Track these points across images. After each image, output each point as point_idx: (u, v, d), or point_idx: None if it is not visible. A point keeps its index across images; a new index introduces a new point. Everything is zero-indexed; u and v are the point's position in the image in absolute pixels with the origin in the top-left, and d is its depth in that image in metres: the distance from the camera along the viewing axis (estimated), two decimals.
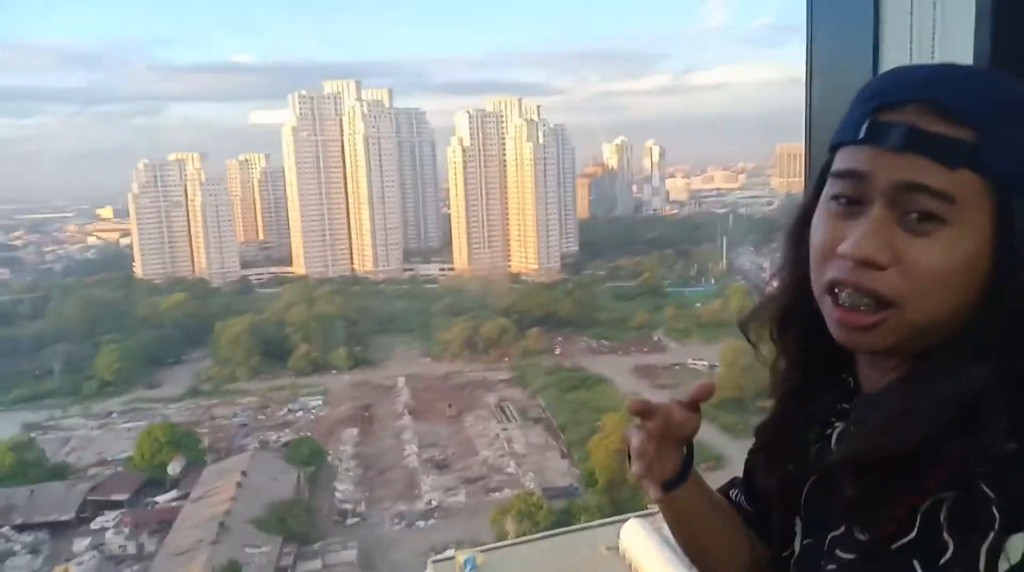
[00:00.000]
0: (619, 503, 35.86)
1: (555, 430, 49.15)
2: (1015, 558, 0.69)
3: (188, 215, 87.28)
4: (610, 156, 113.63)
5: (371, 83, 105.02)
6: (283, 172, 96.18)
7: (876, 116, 0.81)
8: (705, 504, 1.16)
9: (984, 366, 0.76)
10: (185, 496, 41.64)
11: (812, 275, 0.85)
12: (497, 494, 41.23)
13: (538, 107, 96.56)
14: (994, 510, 0.71)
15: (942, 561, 0.74)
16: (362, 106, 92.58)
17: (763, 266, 76.49)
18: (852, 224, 0.80)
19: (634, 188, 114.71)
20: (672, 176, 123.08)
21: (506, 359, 60.91)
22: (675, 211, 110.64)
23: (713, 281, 77.58)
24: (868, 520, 0.83)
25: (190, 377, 60.59)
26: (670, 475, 1.09)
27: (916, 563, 0.77)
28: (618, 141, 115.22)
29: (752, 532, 1.17)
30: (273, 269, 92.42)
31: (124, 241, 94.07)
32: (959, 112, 0.77)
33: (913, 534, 0.78)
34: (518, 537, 32.42)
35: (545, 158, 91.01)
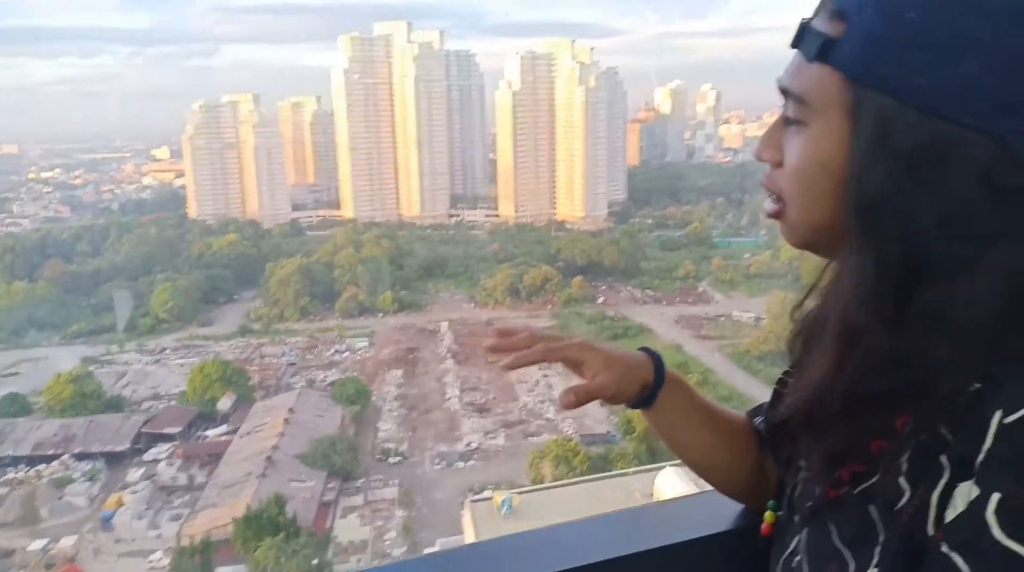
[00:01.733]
0: (656, 451, 35.92)
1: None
2: (961, 506, 0.68)
3: (240, 157, 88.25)
4: (664, 101, 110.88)
5: (424, 24, 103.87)
6: (333, 115, 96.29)
7: (804, 21, 0.82)
8: (692, 421, 1.18)
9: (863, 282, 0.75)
10: (234, 431, 42.89)
11: None
12: (535, 438, 41.65)
13: (591, 49, 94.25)
14: (945, 457, 0.71)
15: (896, 507, 0.75)
16: (413, 48, 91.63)
17: None
18: None
19: (687, 134, 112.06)
20: (727, 122, 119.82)
21: (549, 307, 60.85)
22: (728, 158, 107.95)
23: (764, 232, 75.84)
24: (829, 465, 0.84)
25: (241, 316, 61.97)
26: (631, 397, 1.12)
27: (872, 508, 0.78)
28: (672, 85, 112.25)
29: (768, 455, 1.17)
30: (322, 212, 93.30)
31: (179, 182, 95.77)
32: (839, 6, 0.76)
33: (876, 478, 0.79)
34: (554, 481, 32.81)
35: (596, 103, 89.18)
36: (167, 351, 55.71)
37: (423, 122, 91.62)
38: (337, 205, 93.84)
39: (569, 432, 41.40)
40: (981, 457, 0.67)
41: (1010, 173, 0.70)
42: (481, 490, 34.53)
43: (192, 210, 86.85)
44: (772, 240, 70.60)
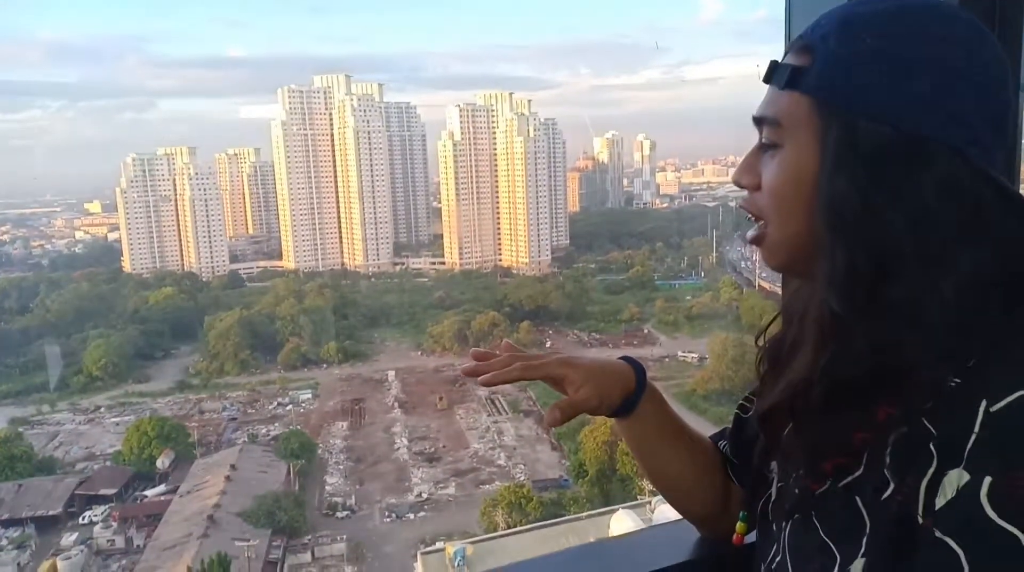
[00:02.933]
0: (609, 494, 35.92)
1: (544, 424, 49.08)
2: (951, 493, 0.71)
3: (177, 209, 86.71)
4: (601, 150, 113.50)
5: (362, 78, 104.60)
6: (272, 166, 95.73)
7: (774, 61, 0.91)
8: (665, 434, 1.19)
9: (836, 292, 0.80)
10: (174, 490, 41.36)
11: None
12: (487, 486, 41.21)
13: (529, 101, 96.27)
14: (932, 447, 0.73)
15: (882, 497, 0.78)
16: (352, 100, 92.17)
17: (752, 259, 76.70)
18: None
19: (625, 182, 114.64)
20: (663, 170, 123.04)
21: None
22: (665, 204, 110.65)
23: (703, 274, 77.70)
24: (812, 459, 0.87)
25: (179, 371, 60.19)
26: (614, 407, 1.13)
27: (858, 499, 0.81)
28: (609, 135, 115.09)
29: (733, 480, 1.20)
30: (263, 263, 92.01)
31: (112, 235, 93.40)
32: (807, 41, 0.86)
33: (859, 471, 0.82)
34: (508, 529, 32.41)
35: (536, 152, 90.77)
36: (101, 409, 53.70)
37: (364, 172, 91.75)
38: (278, 256, 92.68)
39: (521, 478, 41.07)
40: (969, 445, 0.70)
41: (968, 180, 0.77)
42: (433, 541, 33.94)
43: (127, 264, 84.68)
44: (711, 282, 72.39)
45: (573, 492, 38.27)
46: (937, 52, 0.79)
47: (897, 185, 0.77)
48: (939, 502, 0.72)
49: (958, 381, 0.74)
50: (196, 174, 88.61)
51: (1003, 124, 0.81)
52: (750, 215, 0.93)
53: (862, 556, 0.79)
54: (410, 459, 46.20)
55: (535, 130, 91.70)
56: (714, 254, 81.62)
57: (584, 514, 32.03)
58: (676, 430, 1.20)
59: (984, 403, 0.70)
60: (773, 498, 1.01)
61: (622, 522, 27.23)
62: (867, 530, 0.79)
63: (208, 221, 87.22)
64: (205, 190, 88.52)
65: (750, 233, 0.93)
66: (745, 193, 0.94)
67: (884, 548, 0.77)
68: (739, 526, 1.12)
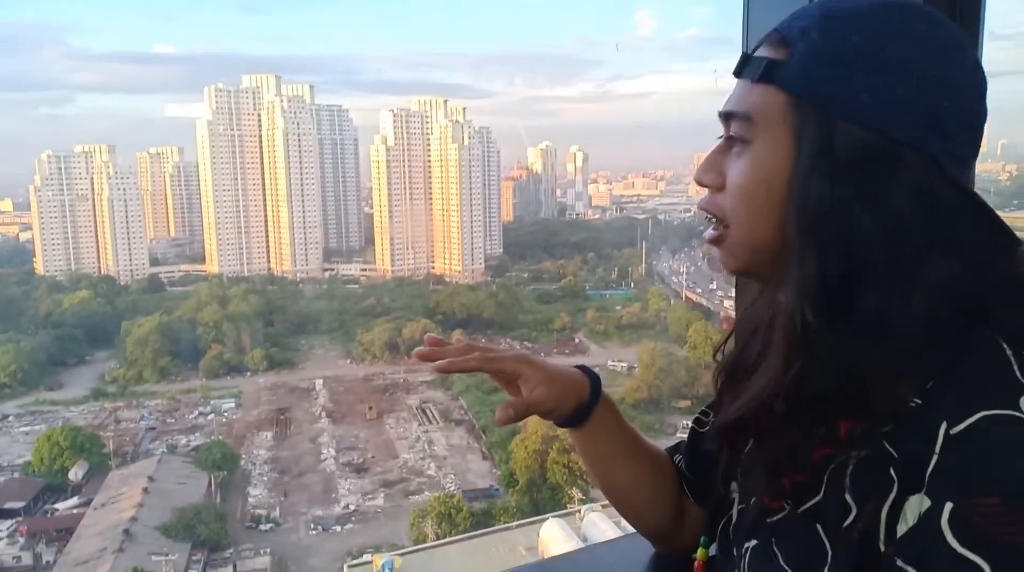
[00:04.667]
0: (539, 504, 36.01)
1: (477, 432, 48.99)
2: (912, 520, 0.69)
3: (95, 209, 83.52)
4: (535, 160, 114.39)
5: (295, 79, 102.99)
6: (197, 167, 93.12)
7: (746, 53, 0.86)
8: (619, 446, 1.16)
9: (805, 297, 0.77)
10: (88, 503, 39.74)
11: None
12: (417, 497, 40.83)
13: (464, 109, 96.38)
14: (892, 471, 0.71)
15: (844, 524, 0.75)
16: (282, 101, 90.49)
17: (680, 270, 78.47)
18: None
19: (558, 192, 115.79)
20: (595, 181, 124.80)
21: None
22: (597, 216, 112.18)
23: (633, 285, 78.95)
24: (771, 474, 0.83)
25: (94, 378, 57.93)
26: (566, 413, 1.10)
27: (819, 527, 0.77)
28: (543, 146, 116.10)
29: (688, 495, 1.18)
30: (185, 267, 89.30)
31: (24, 235, 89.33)
32: (783, 34, 0.81)
33: (819, 496, 0.78)
34: (437, 539, 32.15)
35: (471, 160, 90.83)
36: (10, 418, 51.49)
37: (294, 175, 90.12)
38: (201, 259, 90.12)
39: (452, 488, 40.82)
40: (930, 469, 0.68)
41: (942, 189, 0.74)
42: (360, 554, 33.42)
43: (39, 265, 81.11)
44: (640, 293, 73.64)
45: (504, 501, 38.25)
46: (921, 56, 0.76)
47: (872, 192, 0.74)
48: (900, 529, 0.70)
49: (918, 402, 0.71)
50: (116, 173, 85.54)
51: (978, 134, 0.79)
52: (710, 216, 0.88)
53: None
54: (337, 470, 45.43)
55: (470, 138, 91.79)
56: (643, 265, 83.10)
57: (515, 523, 32.06)
58: (630, 442, 1.17)
59: (944, 425, 0.68)
60: (734, 520, 0.97)
61: (552, 531, 27.35)
62: (828, 559, 0.76)
63: (128, 222, 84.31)
64: (125, 190, 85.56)
65: (708, 233, 0.88)
66: (705, 193, 0.89)
67: None
68: (700, 552, 1.08)
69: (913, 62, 0.75)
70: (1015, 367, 0.70)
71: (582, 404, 1.10)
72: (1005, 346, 0.72)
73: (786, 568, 0.81)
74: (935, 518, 0.66)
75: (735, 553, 0.94)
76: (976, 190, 0.78)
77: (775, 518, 0.84)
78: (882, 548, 0.71)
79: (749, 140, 0.82)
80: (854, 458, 0.75)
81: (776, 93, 0.79)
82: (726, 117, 0.85)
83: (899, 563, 0.68)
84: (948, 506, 0.66)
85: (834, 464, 0.76)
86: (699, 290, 70.63)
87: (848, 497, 0.75)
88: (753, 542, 0.88)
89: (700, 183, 0.88)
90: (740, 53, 0.86)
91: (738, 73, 0.85)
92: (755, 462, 0.87)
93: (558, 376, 1.09)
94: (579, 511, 29.54)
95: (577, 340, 65.85)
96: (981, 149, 0.77)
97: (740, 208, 0.83)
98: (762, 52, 0.83)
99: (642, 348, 54.24)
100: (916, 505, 0.68)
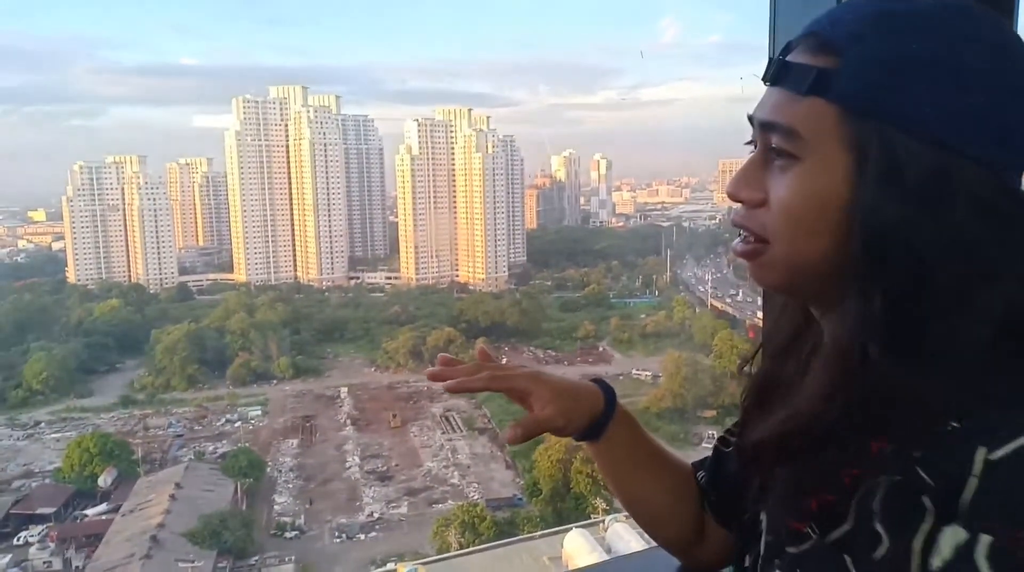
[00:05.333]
0: (562, 513, 35.84)
1: (500, 440, 48.90)
2: (947, 553, 0.64)
3: (125, 219, 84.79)
4: (558, 168, 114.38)
5: (320, 90, 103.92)
6: (225, 177, 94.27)
7: (781, 58, 0.79)
8: (637, 459, 1.15)
9: (866, 315, 0.72)
10: (116, 509, 40.08)
11: None
12: (440, 506, 40.77)
13: (487, 118, 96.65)
14: (925, 500, 0.66)
15: (875, 556, 0.70)
16: (308, 112, 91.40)
17: (705, 278, 77.91)
18: None
19: (581, 200, 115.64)
20: (619, 189, 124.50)
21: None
22: (621, 223, 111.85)
23: (657, 293, 78.50)
24: (797, 493, 0.79)
25: (123, 386, 58.56)
26: (580, 429, 1.09)
27: (848, 558, 0.73)
28: (566, 154, 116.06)
29: (708, 512, 1.16)
30: (213, 276, 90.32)
31: (57, 245, 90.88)
32: (826, 39, 0.74)
33: (847, 524, 0.73)
34: (460, 549, 32.11)
35: (494, 168, 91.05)
36: (41, 425, 52.06)
37: (320, 184, 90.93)
38: (229, 268, 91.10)
39: (475, 497, 40.74)
40: (968, 498, 0.64)
41: (1006, 204, 0.70)
42: (384, 563, 33.50)
43: (71, 274, 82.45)
44: (665, 301, 73.17)
45: (527, 511, 38.08)
46: (985, 62, 0.70)
47: (943, 212, 0.68)
48: (935, 563, 0.65)
49: (955, 425, 0.67)
50: (146, 183, 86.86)
51: None
52: (746, 232, 0.81)
53: None
54: (362, 478, 45.53)
55: (493, 146, 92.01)
56: (668, 273, 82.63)
57: (538, 533, 31.95)
58: (649, 455, 1.16)
59: (983, 451, 0.64)
60: (762, 553, 0.91)
61: (575, 541, 27.20)
62: None
63: (157, 232, 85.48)
64: (155, 200, 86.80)
65: (740, 246, 0.82)
66: (738, 206, 0.82)
67: None
68: None
69: (981, 69, 0.70)
70: None
71: (596, 419, 1.09)
72: None
73: None
74: (971, 551, 0.62)
75: None
76: None
77: (800, 548, 0.79)
78: None
79: (797, 156, 0.75)
80: (884, 483, 0.70)
81: (826, 105, 0.73)
82: (764, 127, 0.78)
83: None
84: (986, 539, 0.62)
85: (863, 489, 0.72)
86: (728, 298, 70.07)
87: (879, 526, 0.70)
88: (775, 569, 0.83)
89: (735, 198, 0.81)
90: (766, 58, 0.80)
91: (774, 80, 0.79)
92: (782, 483, 0.82)
93: (569, 392, 1.07)
94: (603, 521, 29.38)
95: (601, 348, 65.55)
96: None
97: (786, 227, 0.77)
98: (801, 58, 0.76)
99: (667, 357, 53.84)
100: (951, 537, 0.64)
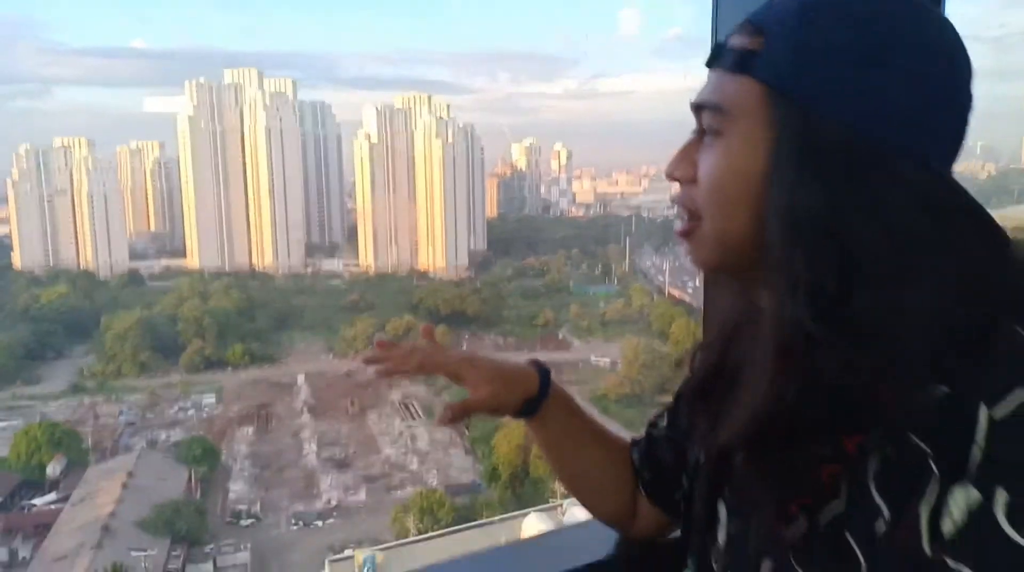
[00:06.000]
0: (521, 498, 35.99)
1: (460, 427, 48.84)
2: (959, 514, 0.63)
3: (73, 204, 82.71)
4: (519, 157, 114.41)
5: (276, 74, 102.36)
6: (178, 162, 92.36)
7: (718, 42, 0.81)
8: (572, 436, 1.17)
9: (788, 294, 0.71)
10: (65, 498, 39.19)
11: None
12: (399, 492, 40.68)
13: (447, 105, 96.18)
14: (932, 464, 0.65)
15: (877, 530, 0.69)
16: (264, 96, 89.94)
17: (663, 267, 78.79)
18: None
19: (542, 189, 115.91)
20: (579, 178, 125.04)
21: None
22: (581, 213, 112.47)
23: (616, 281, 79.19)
24: (779, 500, 0.77)
25: (73, 373, 57.31)
26: (513, 409, 1.12)
27: (849, 537, 0.71)
28: (527, 142, 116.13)
29: (642, 493, 1.17)
30: (165, 261, 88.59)
31: (1, 230, 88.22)
32: (757, 23, 0.76)
33: (841, 503, 0.72)
34: (419, 535, 32.05)
35: (455, 156, 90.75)
36: None
37: (276, 170, 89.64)
38: (182, 254, 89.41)
39: (434, 483, 40.71)
40: (977, 459, 0.63)
41: (934, 189, 0.71)
42: (342, 549, 33.24)
43: (17, 260, 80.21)
44: (624, 289, 73.84)
45: (486, 496, 38.22)
46: (910, 50, 0.71)
47: (866, 196, 0.69)
48: (947, 527, 0.63)
49: (943, 389, 0.66)
50: (95, 167, 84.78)
51: (963, 133, 0.74)
52: (682, 210, 0.83)
53: None
54: (319, 465, 45.17)
55: (454, 134, 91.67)
56: (627, 262, 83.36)
57: (496, 518, 31.98)
58: (584, 432, 1.18)
59: (984, 409, 0.63)
60: (722, 542, 0.90)
61: (533, 525, 27.32)
62: (863, 569, 0.69)
63: (107, 217, 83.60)
64: (104, 184, 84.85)
65: (678, 226, 0.84)
66: (676, 187, 0.83)
67: None
68: None
69: (902, 58, 0.71)
70: None
71: (530, 398, 1.12)
72: (1019, 330, 0.67)
73: None
74: (988, 510, 0.61)
75: None
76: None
77: (791, 533, 0.76)
78: (927, 550, 0.65)
79: (722, 132, 0.77)
80: (876, 457, 0.69)
81: (751, 83, 0.74)
82: (697, 109, 0.80)
83: (951, 563, 0.63)
84: (1003, 497, 0.61)
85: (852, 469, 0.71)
86: (685, 287, 70.94)
87: (878, 499, 0.69)
88: (768, 563, 0.80)
89: (671, 177, 0.83)
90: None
91: (710, 63, 0.81)
92: (754, 485, 0.80)
93: (501, 375, 1.10)
94: (561, 505, 29.53)
95: (560, 336, 65.93)
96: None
97: (711, 200, 0.79)
98: (735, 42, 0.78)
99: (625, 344, 54.38)
100: (962, 499, 0.63)
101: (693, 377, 0.98)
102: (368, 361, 1.08)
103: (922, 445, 0.66)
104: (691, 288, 69.05)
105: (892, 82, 0.70)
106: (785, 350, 0.72)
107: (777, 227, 0.72)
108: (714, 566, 0.91)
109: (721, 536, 0.90)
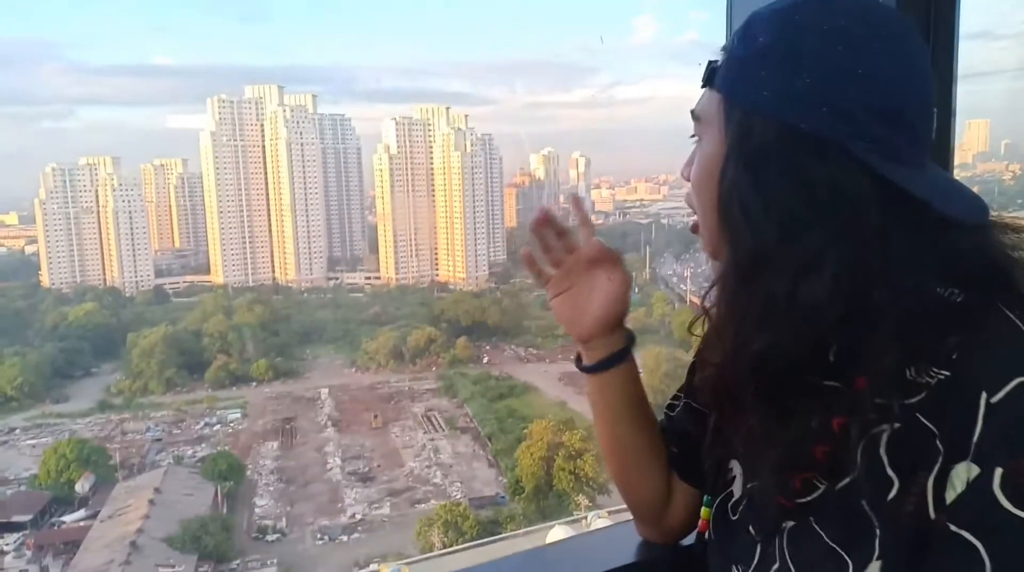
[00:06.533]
0: (545, 511, 35.86)
1: (482, 439, 48.85)
2: (960, 486, 0.72)
3: (99, 221, 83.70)
4: (537, 166, 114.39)
5: (296, 89, 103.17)
6: (201, 178, 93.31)
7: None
8: (632, 404, 1.21)
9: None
10: (94, 515, 39.67)
11: None
12: (423, 505, 40.65)
13: (466, 116, 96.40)
14: (938, 443, 0.74)
15: (889, 498, 0.77)
16: (284, 111, 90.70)
17: (684, 274, 78.26)
18: None
19: (561, 198, 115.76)
20: (597, 187, 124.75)
21: (433, 369, 60.23)
22: (600, 221, 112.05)
23: (637, 290, 78.76)
24: (781, 478, 0.86)
25: (100, 391, 57.88)
26: (605, 353, 1.18)
27: (864, 503, 0.79)
28: (545, 152, 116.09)
29: (675, 476, 1.22)
30: (190, 278, 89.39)
31: (30, 248, 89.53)
32: (728, 40, 0.91)
33: (856, 472, 0.79)
34: (444, 548, 32.01)
35: (473, 167, 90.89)
36: (16, 431, 51.31)
37: (297, 184, 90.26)
38: (206, 270, 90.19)
39: (458, 496, 40.66)
40: (976, 438, 0.71)
41: (850, 173, 0.78)
42: (367, 564, 33.34)
43: (45, 278, 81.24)
44: (644, 297, 73.37)
45: (510, 509, 38.07)
46: (825, 48, 0.80)
47: (777, 181, 0.80)
48: (949, 496, 0.72)
49: (946, 374, 0.74)
50: (120, 185, 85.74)
51: (906, 124, 0.81)
52: (689, 207, 0.99)
53: (877, 559, 0.78)
54: (343, 479, 45.28)
55: (472, 145, 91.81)
56: (647, 270, 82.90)
57: (521, 531, 31.89)
58: (641, 405, 1.22)
59: (984, 395, 0.71)
60: (738, 497, 1.00)
61: (558, 538, 27.25)
62: (878, 532, 0.78)
63: (132, 234, 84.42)
64: (129, 202, 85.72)
65: (691, 222, 0.99)
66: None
67: (900, 548, 0.76)
68: (703, 511, 1.11)
69: (811, 54, 0.80)
70: None
71: (615, 353, 1.18)
72: (1010, 315, 0.75)
73: (832, 545, 0.82)
74: (986, 483, 0.70)
75: (752, 533, 0.95)
76: (977, 189, 0.81)
77: (812, 496, 0.85)
78: (932, 516, 0.73)
79: (700, 137, 0.93)
80: (887, 432, 0.77)
81: (714, 94, 0.89)
82: (692, 118, 0.96)
83: (952, 528, 0.71)
84: (998, 471, 0.70)
85: (865, 439, 0.78)
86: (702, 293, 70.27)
87: (889, 471, 0.77)
88: (790, 523, 0.88)
89: (684, 177, 0.98)
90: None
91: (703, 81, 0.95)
92: (757, 458, 0.91)
93: (624, 307, 1.19)
94: (585, 517, 29.40)
95: None
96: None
97: (696, 198, 0.94)
98: (716, 58, 0.92)
99: (647, 353, 54.04)
100: (964, 472, 0.72)
101: (704, 342, 1.06)
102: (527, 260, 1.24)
103: (930, 425, 0.74)
104: None
105: (799, 77, 0.80)
106: (731, 311, 0.86)
107: (722, 214, 0.86)
108: (732, 519, 1.00)
109: (737, 490, 1.00)
